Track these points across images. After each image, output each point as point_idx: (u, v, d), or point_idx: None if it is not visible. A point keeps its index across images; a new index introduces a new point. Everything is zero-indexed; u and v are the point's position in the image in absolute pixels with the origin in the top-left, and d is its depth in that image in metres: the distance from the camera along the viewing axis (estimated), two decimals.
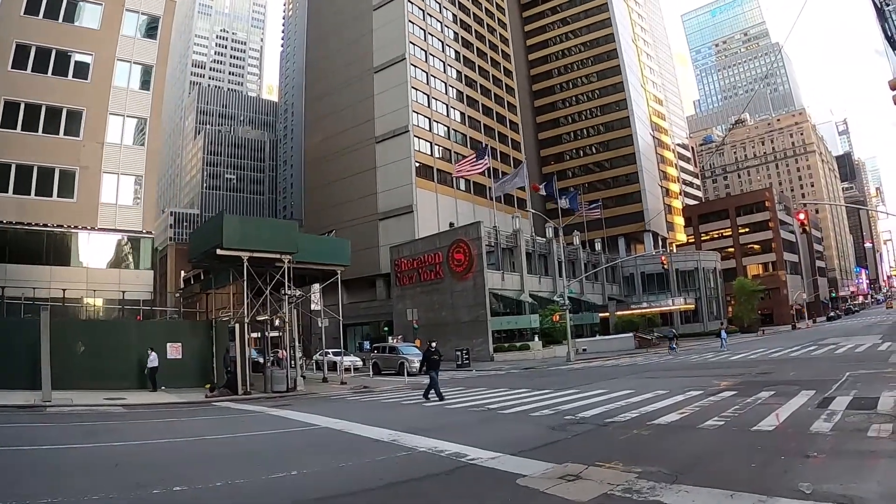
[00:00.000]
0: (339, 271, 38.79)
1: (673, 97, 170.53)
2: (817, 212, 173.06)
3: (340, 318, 41.43)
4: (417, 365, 40.19)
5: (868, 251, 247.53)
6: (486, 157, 60.76)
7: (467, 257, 57.24)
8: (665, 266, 70.82)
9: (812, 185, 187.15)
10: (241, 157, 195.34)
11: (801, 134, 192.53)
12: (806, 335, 60.48)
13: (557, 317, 50.97)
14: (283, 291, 34.24)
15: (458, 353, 46.49)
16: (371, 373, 43.54)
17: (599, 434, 13.56)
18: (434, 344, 24.86)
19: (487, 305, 55.74)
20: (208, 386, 29.17)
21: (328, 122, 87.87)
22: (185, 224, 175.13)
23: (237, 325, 30.62)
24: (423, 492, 9.22)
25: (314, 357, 54.73)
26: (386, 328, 65.22)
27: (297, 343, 37.73)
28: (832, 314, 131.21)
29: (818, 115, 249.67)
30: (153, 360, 28.56)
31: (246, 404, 24.66)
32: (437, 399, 22.27)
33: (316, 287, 64.57)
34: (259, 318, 36.96)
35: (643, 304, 79.16)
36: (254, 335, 63.44)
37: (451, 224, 68.79)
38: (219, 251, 29.27)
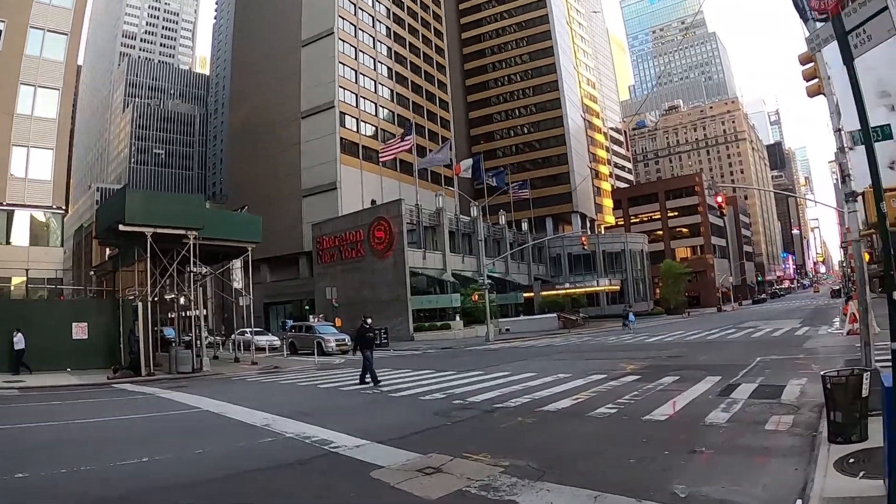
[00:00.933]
0: (249, 248, 37.33)
1: (608, 81, 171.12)
2: (746, 198, 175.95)
3: (251, 296, 40.23)
4: (334, 344, 39.82)
5: (795, 238, 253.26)
6: (412, 134, 59.82)
7: (388, 235, 56.29)
8: (585, 247, 70.98)
9: (742, 172, 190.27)
10: (171, 132, 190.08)
11: (733, 122, 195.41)
12: (729, 318, 61.18)
13: (476, 296, 50.39)
14: (188, 269, 32.84)
15: (377, 332, 45.59)
16: (287, 353, 42.39)
17: (482, 421, 13.01)
18: (369, 321, 21.75)
19: (408, 284, 55.00)
20: (113, 367, 28.05)
21: (255, 96, 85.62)
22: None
23: (140, 304, 29.44)
24: (264, 484, 8.62)
25: (233, 336, 53.08)
26: (307, 307, 64.07)
27: (203, 322, 36.74)
28: (758, 297, 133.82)
29: (751, 105, 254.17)
30: (18, 341, 26.72)
31: (145, 386, 23.91)
32: (371, 383, 19.93)
33: (237, 264, 63.14)
34: (167, 297, 35.78)
35: (569, 285, 79.21)
36: (172, 315, 62.11)
37: (374, 201, 67.54)
38: (121, 227, 28.11)
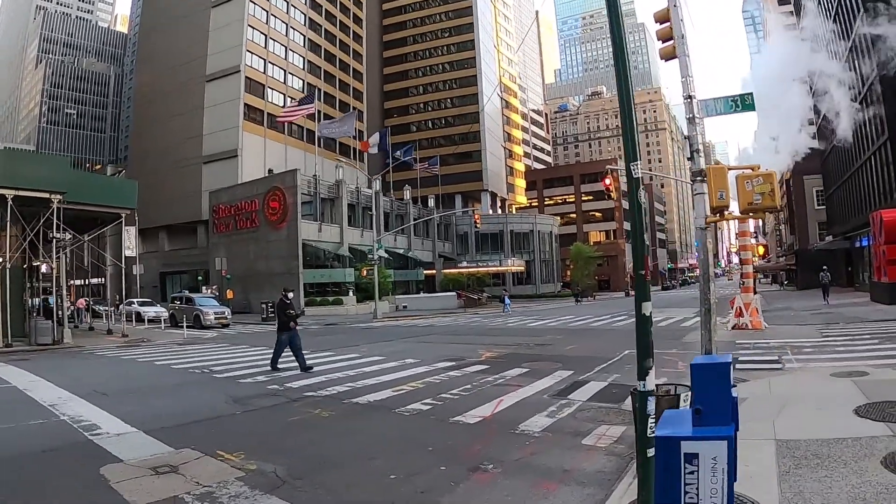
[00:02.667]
0: (123, 214, 35.54)
1: (533, 63, 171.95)
2: (662, 186, 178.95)
3: (122, 266, 38.23)
4: (213, 317, 39.30)
5: (711, 226, 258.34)
6: (313, 101, 58.44)
7: (282, 206, 54.98)
8: (478, 225, 70.83)
9: (660, 161, 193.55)
10: (85, 92, 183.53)
11: (654, 111, 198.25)
12: (631, 303, 60.76)
13: (365, 271, 49.47)
14: (50, 235, 31.21)
15: (263, 305, 44.77)
16: (166, 325, 41.28)
17: (276, 411, 12.20)
18: (290, 295, 18.55)
19: (300, 257, 53.80)
20: None
21: (162, 57, 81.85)
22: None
23: None
24: None
25: (120, 307, 51.24)
26: (200, 277, 62.27)
27: (64, 292, 35.29)
28: (668, 284, 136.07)
29: (674, 97, 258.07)
30: None
31: None
32: (299, 370, 17.19)
33: (131, 231, 60.93)
34: (35, 264, 34.36)
35: (475, 264, 78.97)
36: (77, 282, 59.68)
37: (271, 171, 65.83)
38: None
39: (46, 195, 28.57)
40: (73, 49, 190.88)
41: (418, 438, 9.71)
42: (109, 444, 9.35)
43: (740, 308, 26.02)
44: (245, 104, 72.31)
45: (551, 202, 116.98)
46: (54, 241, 31.50)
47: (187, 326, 37.22)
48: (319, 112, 78.78)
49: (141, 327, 40.10)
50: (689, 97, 10.97)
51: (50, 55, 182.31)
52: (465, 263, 78.49)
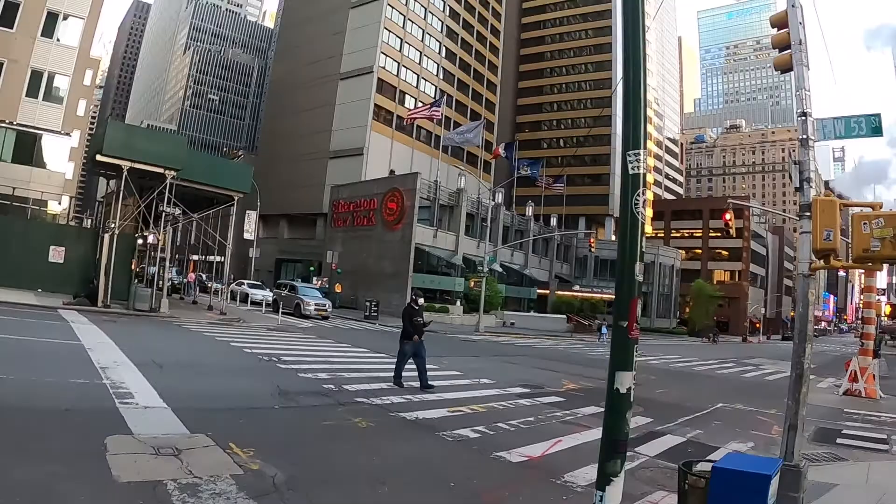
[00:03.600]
0: (236, 197, 35.85)
1: (672, 91, 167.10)
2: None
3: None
4: (313, 307, 39.20)
5: (841, 279, 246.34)
6: (442, 105, 57.65)
7: (400, 207, 54.37)
8: (592, 249, 68.57)
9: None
10: (228, 80, 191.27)
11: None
12: (745, 350, 58.77)
13: (473, 283, 48.01)
14: (160, 208, 31.66)
15: (368, 303, 44.48)
16: (267, 309, 42.00)
17: (315, 412, 11.51)
18: (421, 301, 16.27)
19: (411, 260, 53.00)
20: (74, 294, 28.13)
21: (299, 52, 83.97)
22: None
23: (106, 236, 29.47)
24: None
25: (231, 286, 52.04)
26: (312, 268, 62.56)
27: (167, 263, 35.93)
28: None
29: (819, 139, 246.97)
30: None
31: (85, 315, 23.42)
32: (420, 387, 14.98)
33: (252, 215, 61.82)
34: (144, 234, 35.25)
35: (590, 289, 76.67)
36: (194, 258, 61.56)
37: (392, 171, 65.44)
38: (98, 157, 28.19)
39: (161, 170, 29.39)
40: (220, 39, 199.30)
41: (445, 469, 8.73)
42: (131, 414, 9.20)
43: (855, 372, 23.29)
44: (375, 104, 72.77)
45: (678, 235, 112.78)
46: (164, 214, 32.20)
47: (287, 314, 37.81)
48: (449, 119, 78.29)
49: (243, 308, 40.86)
50: (804, 114, 9.12)
51: (198, 43, 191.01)
52: (579, 287, 76.22)
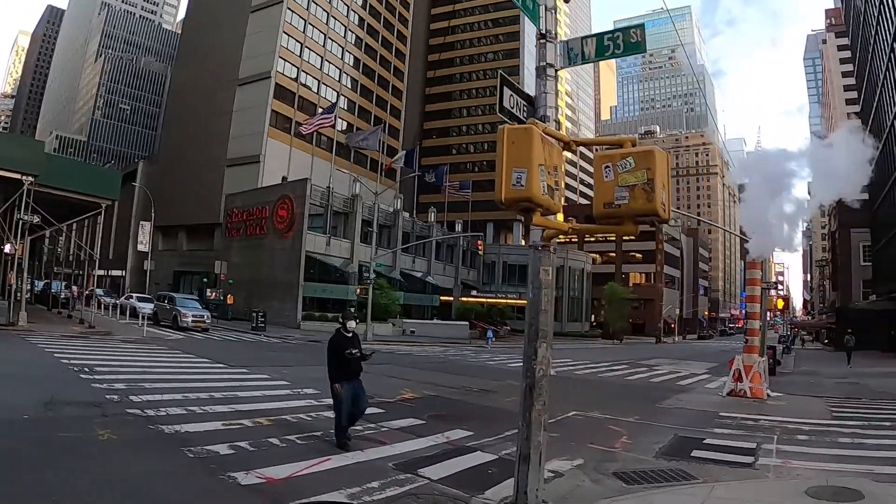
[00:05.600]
0: (104, 205, 34.25)
1: (586, 97, 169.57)
2: (709, 233, 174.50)
3: (87, 257, 36.57)
4: (190, 319, 38.20)
5: (771, 282, 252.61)
6: (335, 112, 56.57)
7: (290, 215, 53.22)
8: (480, 252, 68.55)
9: (709, 206, 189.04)
10: (140, 89, 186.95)
11: (707, 154, 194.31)
12: (652, 351, 59.28)
13: (360, 290, 46.96)
14: (17, 216, 30.06)
15: (255, 314, 43.24)
16: (148, 323, 40.21)
17: (62, 423, 10.61)
18: (351, 325, 11.38)
19: (301, 268, 51.90)
20: None
21: (199, 58, 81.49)
22: (69, 150, 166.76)
23: None
24: None
25: (120, 299, 50.40)
26: (206, 280, 60.79)
27: (24, 275, 34.05)
28: (705, 333, 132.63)
29: (731, 143, 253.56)
30: None
31: None
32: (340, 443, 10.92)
33: (146, 227, 59.63)
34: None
35: (498, 294, 76.17)
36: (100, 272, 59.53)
37: (284, 178, 63.91)
38: None
39: (18, 176, 27.82)
40: (133, 47, 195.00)
41: (154, 490, 7.81)
42: None
43: (739, 371, 22.27)
44: (273, 110, 71.40)
45: (592, 239, 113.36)
46: (20, 223, 30.37)
47: (166, 326, 37.42)
48: (352, 126, 77.23)
49: (124, 321, 39.10)
50: (543, 36, 7.80)
51: (110, 50, 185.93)
52: (485, 293, 75.64)
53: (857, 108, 71.24)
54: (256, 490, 8.10)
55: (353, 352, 10.93)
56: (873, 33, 53.49)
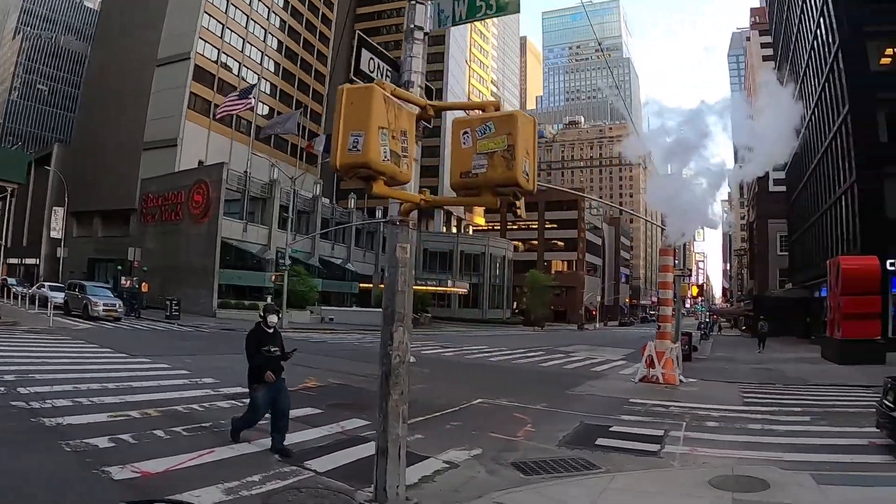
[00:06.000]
0: (9, 188, 33.28)
1: (511, 86, 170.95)
2: (631, 222, 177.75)
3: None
4: (101, 308, 36.77)
5: (684, 269, 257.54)
6: (252, 94, 55.77)
7: (206, 200, 52.40)
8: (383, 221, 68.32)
9: (631, 196, 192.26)
10: (60, 69, 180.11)
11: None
12: (572, 337, 59.35)
13: (275, 277, 46.67)
14: None
15: (168, 302, 42.51)
16: (52, 311, 39.15)
17: None
18: (273, 319, 10.29)
19: (217, 255, 51.22)
20: None
21: (117, 38, 78.65)
22: None
23: None
24: None
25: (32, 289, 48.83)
26: (120, 267, 59.52)
27: None
28: (626, 320, 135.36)
29: (654, 134, 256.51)
30: None
31: None
32: (272, 449, 9.82)
33: (59, 212, 58.04)
34: None
35: (418, 281, 76.32)
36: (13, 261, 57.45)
37: (201, 162, 62.85)
38: None
39: None
40: (53, 24, 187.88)
41: (27, 485, 7.50)
42: None
43: (651, 357, 22.25)
44: (192, 93, 69.67)
45: (514, 227, 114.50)
46: None
47: (76, 316, 36.26)
48: (273, 110, 76.32)
49: (33, 311, 37.65)
50: None
51: (29, 28, 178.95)
52: (420, 283, 75.81)
53: None
54: (129, 485, 7.76)
55: (273, 350, 9.90)
56: (795, 32, 55.46)
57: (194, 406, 13.00)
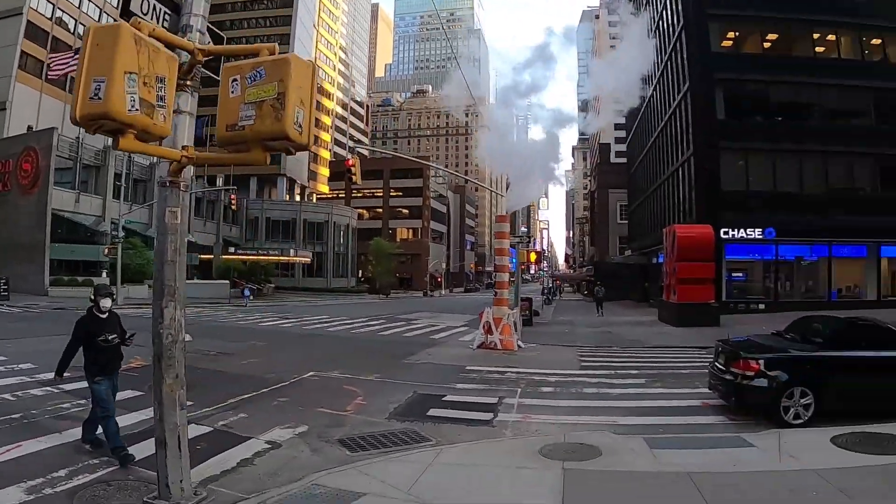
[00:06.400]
0: None
1: (361, 54, 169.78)
2: (476, 190, 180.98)
3: None
4: None
5: (523, 234, 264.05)
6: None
7: (35, 168, 49.83)
8: (234, 207, 70.35)
9: (477, 166, 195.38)
10: None
11: (476, 115, 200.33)
12: (420, 304, 60.31)
13: (108, 250, 45.41)
14: None
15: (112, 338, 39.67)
16: None
17: None
18: (106, 304, 9.12)
19: (48, 229, 48.98)
20: None
21: None
22: None
23: None
24: None
25: None
26: None
27: None
28: (471, 286, 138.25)
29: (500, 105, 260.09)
30: None
31: None
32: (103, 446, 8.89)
33: None
34: None
35: (260, 251, 75.88)
36: None
37: (30, 127, 59.41)
38: None
39: None
40: None
41: None
42: None
43: (489, 324, 22.33)
44: (23, 52, 64.90)
45: (359, 195, 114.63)
46: None
47: None
48: None
49: None
50: None
51: None
52: (247, 251, 75.17)
53: None
54: None
55: (111, 337, 8.84)
56: (640, 12, 57.94)
57: (6, 396, 12.10)
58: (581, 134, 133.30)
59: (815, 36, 40.62)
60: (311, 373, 15.96)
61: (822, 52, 41.20)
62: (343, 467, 8.10)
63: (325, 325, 32.57)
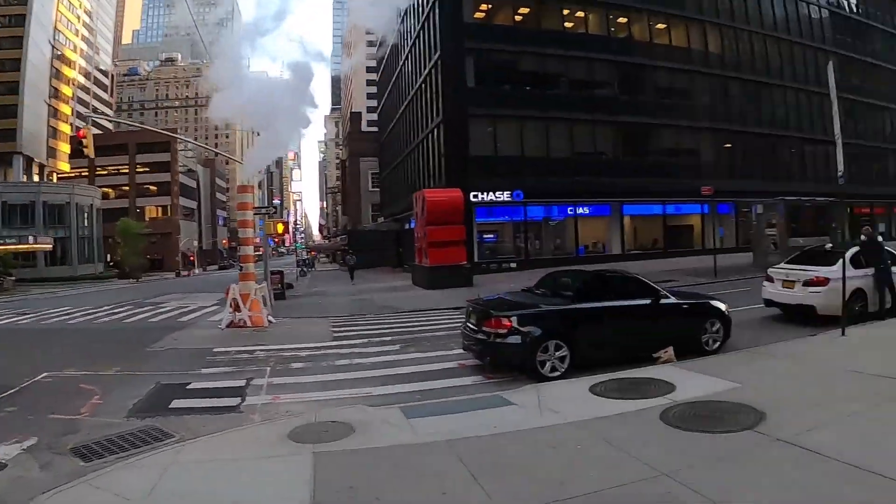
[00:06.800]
0: None
1: (107, 17, 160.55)
2: (227, 163, 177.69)
3: None
4: None
5: (277, 207, 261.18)
6: None
7: None
8: None
9: (227, 137, 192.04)
10: None
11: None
12: (172, 286, 57.61)
13: None
14: None
15: None
16: None
17: None
18: None
19: None
20: None
21: None
22: None
23: None
24: None
25: None
26: None
27: None
28: (225, 263, 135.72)
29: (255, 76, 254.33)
30: None
31: None
32: None
33: None
34: None
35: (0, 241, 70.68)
36: None
37: None
38: None
39: None
40: None
41: None
42: None
43: (236, 301, 21.15)
44: None
45: (104, 172, 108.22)
46: None
47: None
48: None
49: None
50: None
51: None
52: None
53: (375, 50, 77.49)
54: None
55: None
56: None
57: None
58: (334, 77, 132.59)
59: (566, 12, 44.62)
60: (44, 374, 13.91)
61: (570, 27, 45.12)
62: (73, 483, 7.08)
63: (67, 317, 29.53)
